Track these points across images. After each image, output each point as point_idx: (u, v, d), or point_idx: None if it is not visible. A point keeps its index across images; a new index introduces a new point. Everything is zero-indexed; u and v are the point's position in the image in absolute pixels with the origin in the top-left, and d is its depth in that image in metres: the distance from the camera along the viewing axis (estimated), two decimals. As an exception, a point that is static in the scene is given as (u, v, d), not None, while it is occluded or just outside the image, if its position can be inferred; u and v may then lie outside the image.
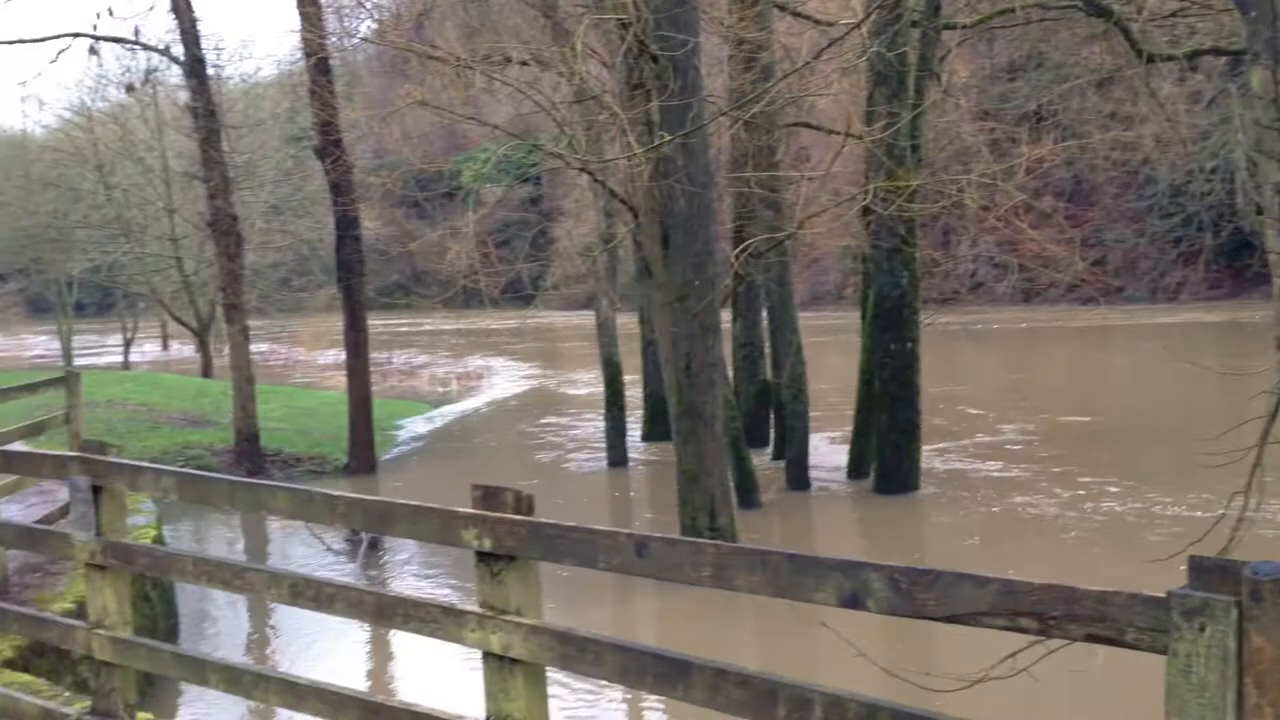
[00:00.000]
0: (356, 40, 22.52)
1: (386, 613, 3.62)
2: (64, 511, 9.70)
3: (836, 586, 2.64)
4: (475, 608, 3.41)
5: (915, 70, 13.32)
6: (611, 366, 18.14)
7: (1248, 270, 49.05)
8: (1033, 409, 23.79)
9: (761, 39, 13.86)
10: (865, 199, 12.54)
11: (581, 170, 12.59)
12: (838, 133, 13.57)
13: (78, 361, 47.43)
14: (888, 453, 14.85)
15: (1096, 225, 47.66)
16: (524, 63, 13.60)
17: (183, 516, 16.15)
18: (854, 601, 2.63)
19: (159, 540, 9.95)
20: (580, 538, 3.13)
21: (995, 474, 15.82)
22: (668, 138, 10.15)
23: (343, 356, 19.24)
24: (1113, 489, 14.24)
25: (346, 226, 18.09)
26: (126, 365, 45.27)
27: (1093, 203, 50.88)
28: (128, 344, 47.71)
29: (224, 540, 15.68)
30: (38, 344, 53.54)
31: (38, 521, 8.31)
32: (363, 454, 18.23)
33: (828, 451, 17.21)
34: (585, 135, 14.01)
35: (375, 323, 35.10)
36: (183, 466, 17.83)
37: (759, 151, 13.97)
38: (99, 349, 50.90)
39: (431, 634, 3.51)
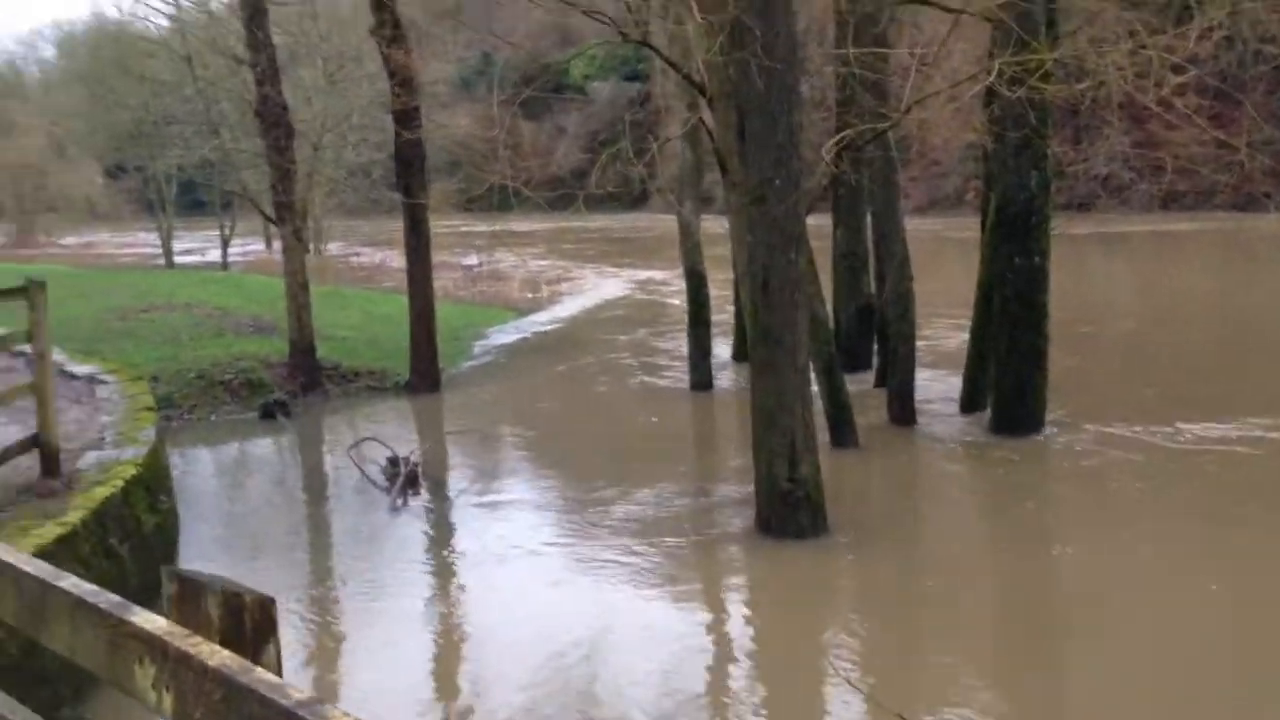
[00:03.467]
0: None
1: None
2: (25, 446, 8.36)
3: None
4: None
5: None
6: (695, 278, 16.17)
7: None
8: (1179, 335, 21.28)
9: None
10: (989, 78, 10.32)
11: (641, 44, 10.62)
12: (958, 11, 11.33)
13: (179, 260, 47.32)
14: (1007, 384, 12.70)
15: (1244, 127, 43.68)
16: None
17: (231, 438, 14.90)
18: None
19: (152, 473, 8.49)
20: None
21: (1136, 415, 13.29)
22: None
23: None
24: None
25: (405, 119, 16.36)
26: (225, 265, 44.79)
27: (1239, 102, 46.85)
28: (225, 243, 47.32)
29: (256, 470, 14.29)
30: (148, 240, 53.77)
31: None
32: (424, 370, 16.66)
33: (941, 379, 15.10)
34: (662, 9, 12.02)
35: (472, 227, 33.75)
36: (233, 379, 16.57)
37: (861, 23, 11.80)
38: (208, 248, 50.88)
39: None
